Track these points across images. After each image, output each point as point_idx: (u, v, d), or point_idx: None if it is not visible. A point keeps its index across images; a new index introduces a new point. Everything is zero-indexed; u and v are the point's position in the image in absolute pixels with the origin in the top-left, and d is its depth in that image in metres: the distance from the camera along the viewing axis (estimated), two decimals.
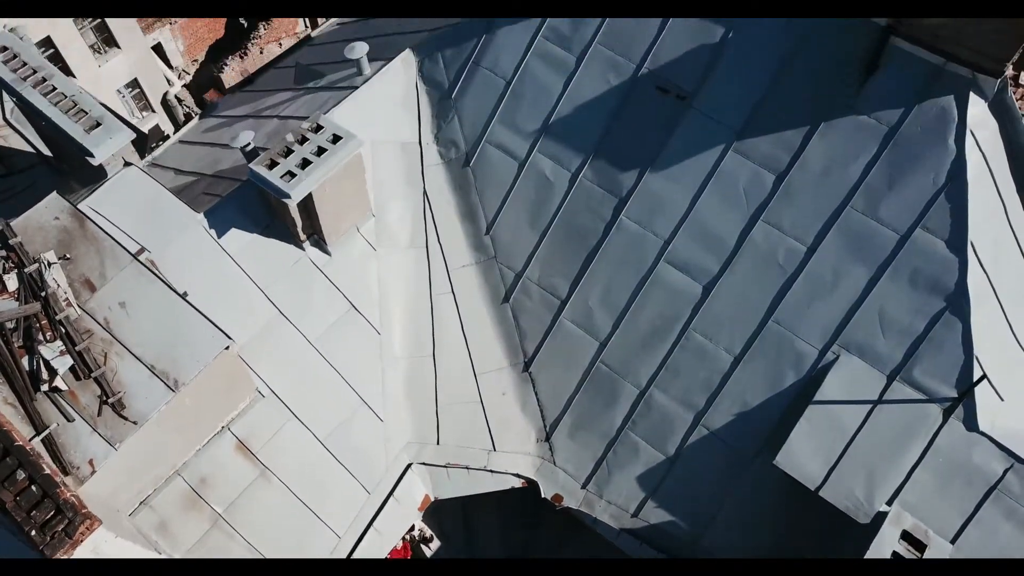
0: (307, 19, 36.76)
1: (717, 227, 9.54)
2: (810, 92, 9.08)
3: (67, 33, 24.27)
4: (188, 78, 34.54)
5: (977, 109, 8.42)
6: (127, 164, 9.79)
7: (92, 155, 9.34)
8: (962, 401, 8.40)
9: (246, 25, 35.84)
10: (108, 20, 25.05)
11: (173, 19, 32.36)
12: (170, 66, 33.65)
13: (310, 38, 14.80)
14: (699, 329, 9.65)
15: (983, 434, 8.33)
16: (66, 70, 25.28)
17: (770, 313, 9.29)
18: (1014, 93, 8.38)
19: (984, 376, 8.20)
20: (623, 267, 10.04)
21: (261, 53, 33.47)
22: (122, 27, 25.69)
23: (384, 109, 10.98)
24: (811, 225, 9.09)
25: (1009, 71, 8.25)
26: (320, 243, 10.20)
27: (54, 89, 9.86)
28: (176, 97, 29.53)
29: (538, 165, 10.52)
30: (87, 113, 9.62)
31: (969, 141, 8.41)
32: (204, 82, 34.93)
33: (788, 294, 9.20)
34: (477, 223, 10.88)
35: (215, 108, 13.84)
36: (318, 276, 10.21)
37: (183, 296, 8.54)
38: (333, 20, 15.02)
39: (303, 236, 9.99)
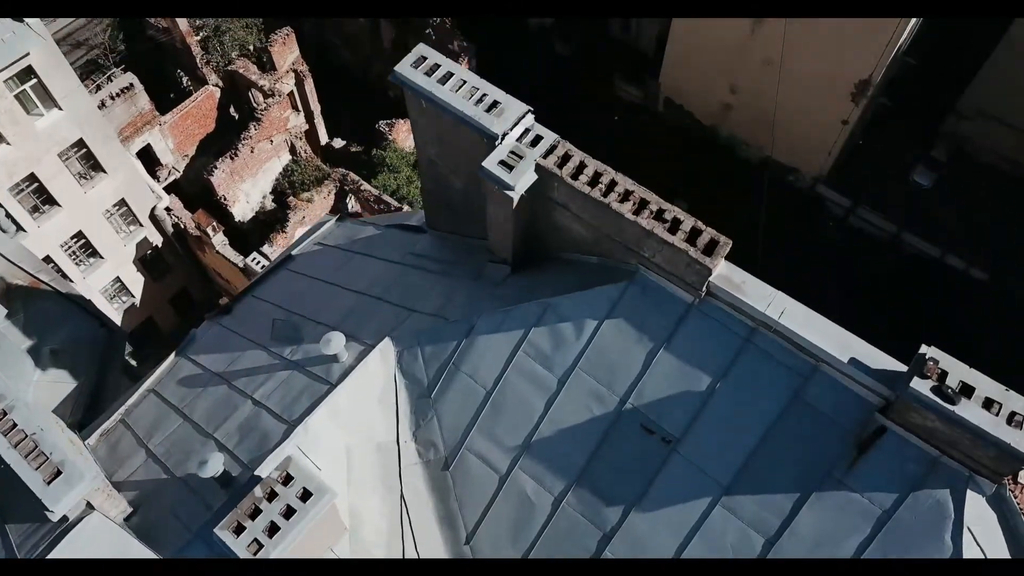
0: (300, 109, 36.52)
1: None
2: (800, 458, 8.69)
3: (51, 167, 23.90)
4: (178, 174, 34.26)
5: (975, 504, 8.03)
6: (89, 507, 9.40)
7: (51, 510, 8.96)
8: None
9: (237, 117, 35.57)
10: (93, 147, 24.57)
11: (162, 120, 32.06)
12: (159, 164, 33.39)
13: (291, 257, 14.41)
14: None
15: None
16: (51, 200, 24.95)
17: None
18: (1013, 491, 7.98)
19: None
20: None
21: (252, 152, 33.17)
22: (108, 153, 25.30)
23: (361, 408, 10.59)
24: None
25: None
26: None
27: (14, 426, 9.43)
28: (166, 209, 29.16)
29: (520, 482, 10.12)
30: (47, 457, 9.21)
31: (967, 538, 8.03)
32: (195, 176, 34.68)
33: None
34: (456, 531, 10.48)
35: (190, 344, 13.44)
36: None
37: None
38: (313, 237, 14.66)
39: None
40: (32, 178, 23.72)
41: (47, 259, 26.05)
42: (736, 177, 41.48)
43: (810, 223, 40.49)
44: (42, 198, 24.60)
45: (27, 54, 20.05)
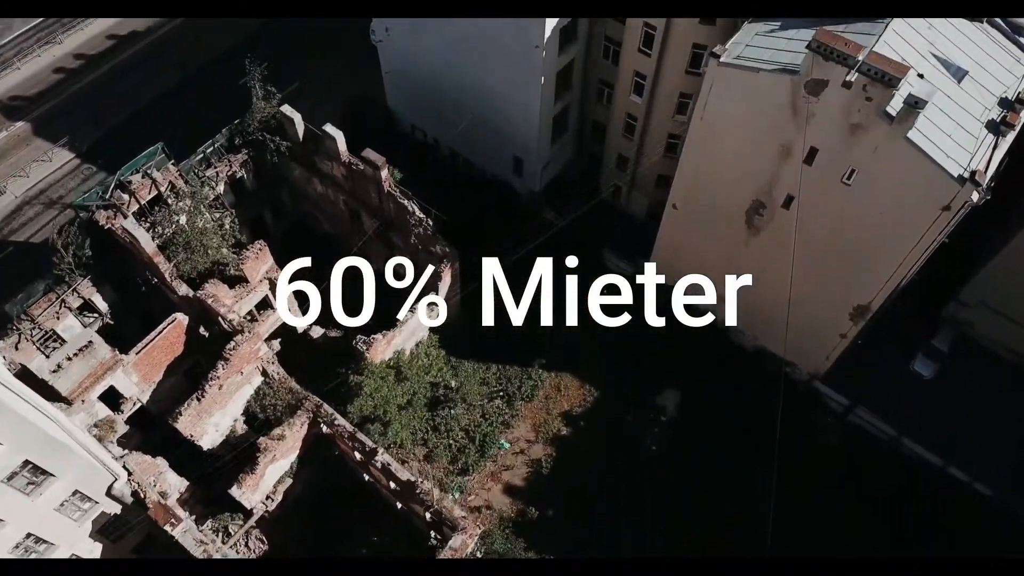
0: (275, 308, 34.90)
1: None
2: None
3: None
4: (142, 403, 32.57)
5: None
6: None
7: None
8: None
9: (208, 335, 33.78)
10: (40, 462, 22.65)
11: (125, 360, 30.38)
12: (123, 397, 31.72)
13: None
14: None
15: None
16: None
17: None
18: None
19: None
20: None
21: (220, 389, 31.47)
22: (57, 460, 23.47)
23: None
24: None
25: None
26: None
27: None
28: (129, 480, 27.33)
29: None
30: None
31: None
32: (162, 398, 33.02)
33: None
34: None
35: None
36: None
37: None
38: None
39: None
40: None
41: None
42: (729, 363, 39.91)
43: (808, 418, 38.84)
44: None
45: None
